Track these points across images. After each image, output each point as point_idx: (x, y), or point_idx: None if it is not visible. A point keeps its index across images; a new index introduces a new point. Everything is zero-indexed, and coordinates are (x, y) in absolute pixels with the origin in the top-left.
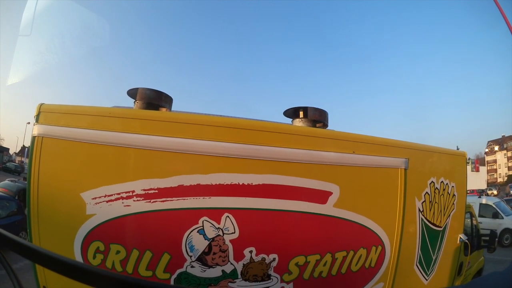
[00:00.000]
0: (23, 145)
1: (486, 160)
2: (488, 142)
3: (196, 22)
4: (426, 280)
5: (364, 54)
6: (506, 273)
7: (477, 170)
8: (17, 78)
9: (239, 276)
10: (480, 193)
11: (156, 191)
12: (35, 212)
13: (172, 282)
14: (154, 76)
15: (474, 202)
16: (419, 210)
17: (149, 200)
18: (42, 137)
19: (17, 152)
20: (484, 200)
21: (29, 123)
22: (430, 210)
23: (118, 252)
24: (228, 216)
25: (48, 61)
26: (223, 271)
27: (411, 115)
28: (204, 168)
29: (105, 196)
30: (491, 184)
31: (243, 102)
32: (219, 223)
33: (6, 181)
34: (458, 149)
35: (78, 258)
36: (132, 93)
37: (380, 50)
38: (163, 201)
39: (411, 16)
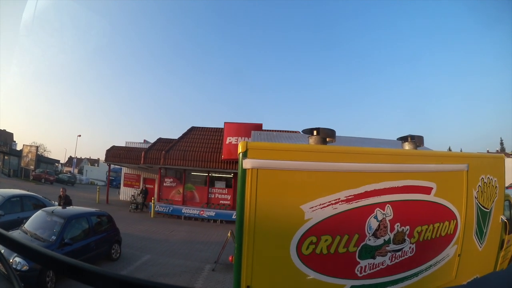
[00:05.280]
0: (70, 156)
1: None
2: None
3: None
4: (480, 247)
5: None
6: (506, 273)
7: None
8: (18, 77)
9: (391, 242)
10: None
11: (352, 196)
12: (250, 222)
13: (357, 253)
14: (153, 75)
15: None
16: (475, 197)
17: (349, 203)
18: (257, 169)
19: (64, 163)
20: None
21: (80, 135)
22: (481, 197)
23: (326, 240)
24: (388, 206)
25: (49, 60)
26: (384, 240)
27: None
28: (377, 179)
29: (319, 205)
30: None
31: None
32: (384, 211)
33: None
34: None
35: (293, 251)
36: (308, 130)
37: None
38: (356, 201)
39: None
